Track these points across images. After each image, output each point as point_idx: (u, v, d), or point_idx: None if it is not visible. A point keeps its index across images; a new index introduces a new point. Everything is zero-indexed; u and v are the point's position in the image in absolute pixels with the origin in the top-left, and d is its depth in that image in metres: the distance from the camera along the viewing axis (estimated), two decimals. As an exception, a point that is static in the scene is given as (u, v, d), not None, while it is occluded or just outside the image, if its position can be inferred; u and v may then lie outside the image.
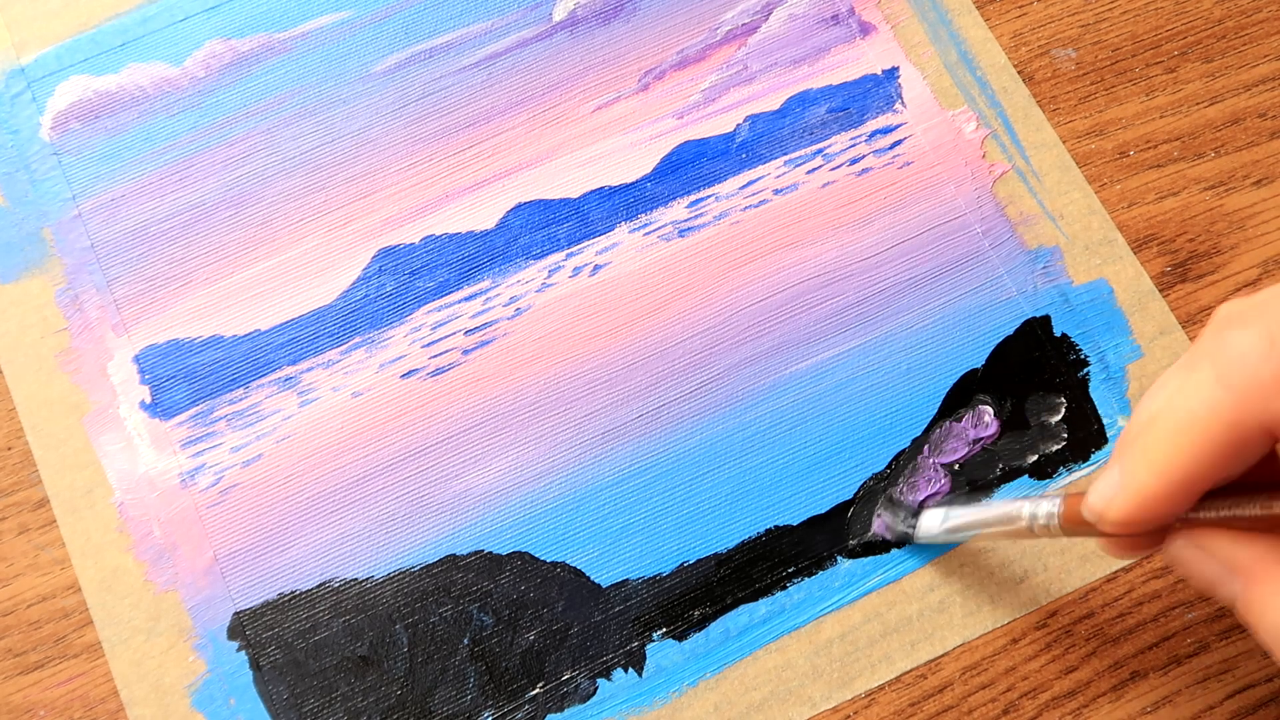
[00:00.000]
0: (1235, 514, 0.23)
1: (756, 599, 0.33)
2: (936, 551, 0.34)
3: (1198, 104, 0.38)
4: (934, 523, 0.32)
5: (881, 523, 0.34)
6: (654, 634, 0.33)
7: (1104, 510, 0.23)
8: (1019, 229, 0.37)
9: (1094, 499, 0.23)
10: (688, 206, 0.37)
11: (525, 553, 0.34)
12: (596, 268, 0.37)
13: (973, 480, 0.34)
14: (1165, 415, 0.22)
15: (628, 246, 0.37)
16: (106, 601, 0.33)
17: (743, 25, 0.39)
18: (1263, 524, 0.22)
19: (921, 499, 0.34)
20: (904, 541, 0.34)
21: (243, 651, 0.33)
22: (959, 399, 0.35)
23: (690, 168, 0.38)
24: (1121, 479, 0.23)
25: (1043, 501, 0.27)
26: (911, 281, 0.36)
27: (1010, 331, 0.36)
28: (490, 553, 0.34)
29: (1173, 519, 0.23)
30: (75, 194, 0.37)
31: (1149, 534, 0.24)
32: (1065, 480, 0.34)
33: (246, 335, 0.36)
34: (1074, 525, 0.26)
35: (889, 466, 0.35)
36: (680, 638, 0.33)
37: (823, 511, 0.34)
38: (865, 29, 0.39)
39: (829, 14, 0.39)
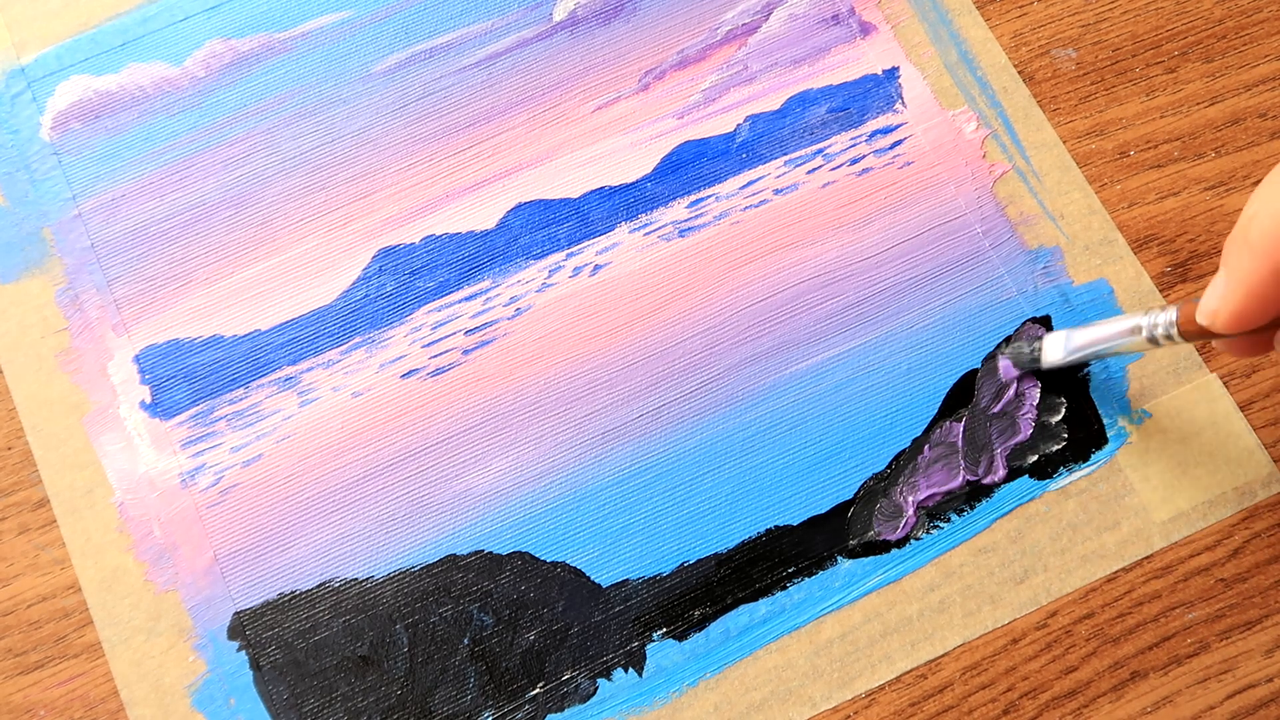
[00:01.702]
0: None
1: (756, 599, 0.33)
2: (937, 551, 0.34)
3: (1198, 104, 0.38)
4: (1057, 346, 0.33)
5: (1006, 362, 0.35)
6: (654, 634, 0.33)
7: (1216, 310, 0.24)
8: (1019, 229, 0.37)
9: (1206, 302, 0.25)
10: (688, 206, 0.37)
11: (525, 553, 0.34)
12: (597, 268, 0.37)
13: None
14: (1261, 216, 0.23)
15: (628, 246, 0.37)
16: (106, 601, 0.33)
17: (743, 25, 0.39)
18: None
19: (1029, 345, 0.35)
20: (1034, 370, 0.35)
21: (243, 651, 0.33)
22: (959, 399, 0.35)
23: (690, 168, 0.38)
24: (1227, 279, 0.24)
25: (1159, 313, 0.29)
26: (911, 281, 0.36)
27: (1010, 331, 0.36)
28: (490, 553, 0.34)
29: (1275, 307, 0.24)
30: (75, 194, 0.37)
31: (1265, 330, 0.25)
32: (1068, 479, 0.34)
33: (246, 335, 0.36)
34: (1192, 329, 0.27)
35: (889, 466, 0.35)
36: (680, 638, 0.33)
37: (823, 511, 0.34)
38: (865, 29, 0.39)
39: (829, 14, 0.39)
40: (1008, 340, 0.35)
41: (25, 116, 0.38)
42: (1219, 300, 0.24)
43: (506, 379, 0.36)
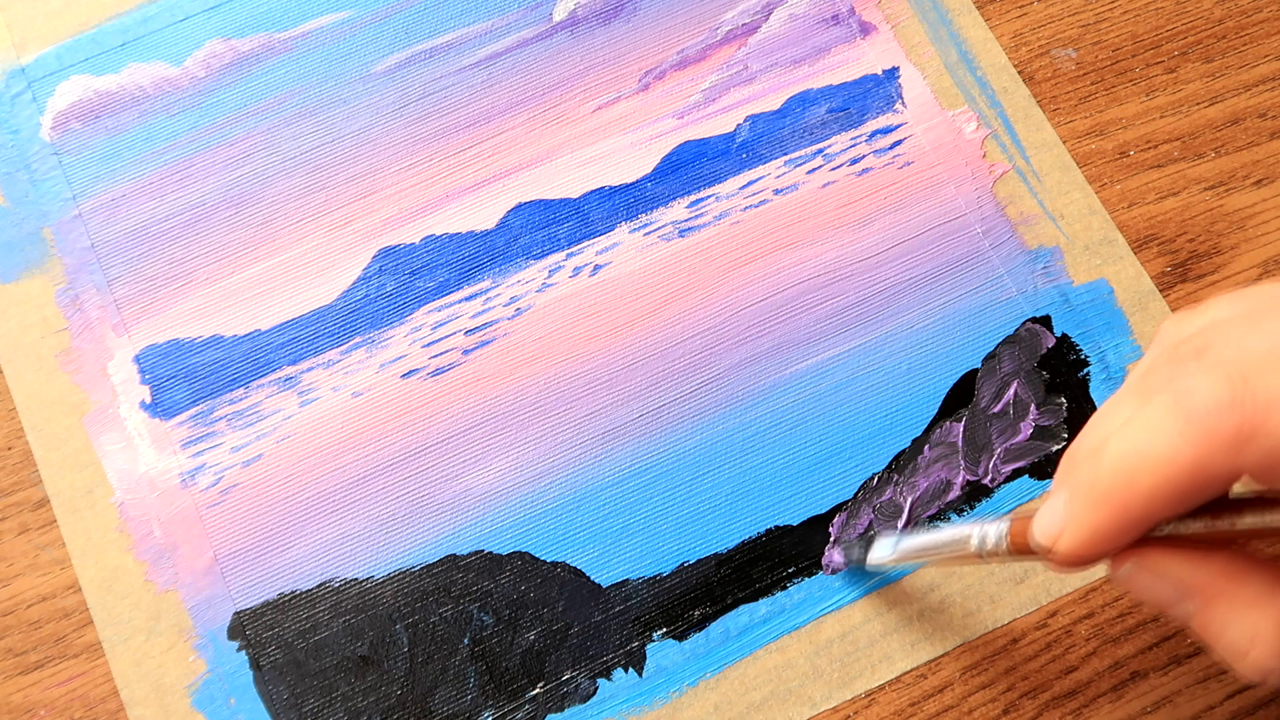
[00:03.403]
0: (1179, 532, 0.22)
1: (756, 599, 0.33)
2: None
3: (1198, 104, 0.38)
4: (885, 550, 0.31)
5: (836, 552, 0.34)
6: (654, 634, 0.33)
7: (1052, 544, 0.22)
8: (1019, 229, 0.37)
9: (1040, 531, 0.23)
10: (688, 206, 0.37)
11: (525, 553, 0.34)
12: (597, 268, 0.37)
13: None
14: (1119, 452, 0.21)
15: (628, 246, 0.37)
16: (107, 601, 0.33)
17: (743, 25, 0.39)
18: (1208, 540, 0.22)
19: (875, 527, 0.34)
20: (858, 568, 0.33)
21: (243, 651, 0.33)
22: (959, 399, 0.35)
23: (690, 168, 0.38)
24: (1069, 512, 0.22)
25: (990, 525, 0.26)
26: (911, 281, 0.36)
27: (1010, 331, 0.36)
28: (490, 553, 0.34)
29: (1118, 550, 0.23)
30: (75, 194, 0.37)
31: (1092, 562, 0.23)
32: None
33: (246, 335, 0.36)
34: (1022, 549, 0.25)
35: (889, 466, 0.35)
36: (680, 638, 0.33)
37: (823, 511, 0.34)
38: (865, 29, 0.39)
39: (829, 14, 0.39)
40: (838, 541, 0.34)
41: (25, 116, 0.38)
42: (1054, 536, 0.23)
43: (506, 379, 0.36)
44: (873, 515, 0.34)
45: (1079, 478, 0.22)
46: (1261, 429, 0.20)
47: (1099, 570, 0.33)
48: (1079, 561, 0.22)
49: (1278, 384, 0.20)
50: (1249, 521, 0.21)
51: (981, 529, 0.27)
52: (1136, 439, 0.21)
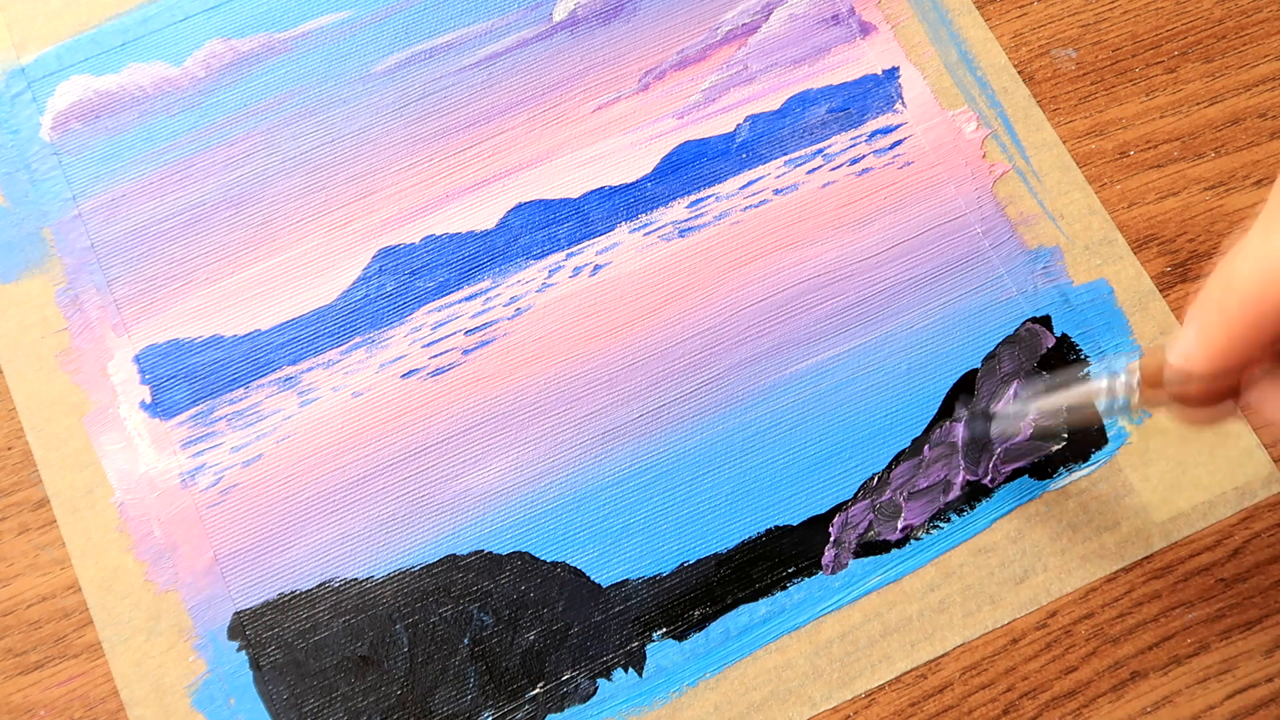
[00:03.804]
0: None
1: (756, 599, 0.33)
2: (937, 551, 0.34)
3: (1198, 104, 0.38)
4: (1014, 411, 0.33)
5: (967, 433, 0.35)
6: (654, 634, 0.33)
7: (1188, 362, 0.23)
8: (1019, 229, 0.37)
9: (1176, 354, 0.24)
10: (688, 206, 0.37)
11: (525, 553, 0.34)
12: (597, 268, 0.37)
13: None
14: (1247, 268, 0.22)
15: (628, 246, 0.37)
16: (106, 601, 0.33)
17: (743, 25, 0.39)
18: None
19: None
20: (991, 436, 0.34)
21: (243, 651, 0.33)
22: (959, 399, 0.35)
23: (690, 168, 0.38)
24: (1201, 332, 0.23)
25: (1117, 378, 0.27)
26: (911, 281, 0.36)
27: (1010, 331, 0.36)
28: (490, 553, 0.34)
29: (1244, 360, 0.23)
30: (75, 194, 0.37)
31: (1225, 393, 0.24)
32: (1068, 479, 0.34)
33: (246, 335, 0.36)
34: (1153, 391, 0.26)
35: (889, 466, 0.35)
36: (680, 638, 0.33)
37: (823, 511, 0.34)
38: (865, 29, 0.39)
39: (829, 14, 0.39)
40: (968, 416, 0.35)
41: (25, 116, 0.38)
42: (1194, 344, 0.24)
43: (506, 379, 0.36)
44: (873, 515, 0.34)
45: (1209, 301, 0.23)
46: None
47: (1098, 571, 0.33)
48: (1215, 375, 0.23)
49: None
50: None
51: (1109, 382, 0.28)
52: (1267, 254, 0.22)
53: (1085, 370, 0.29)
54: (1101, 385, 0.28)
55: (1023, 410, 0.33)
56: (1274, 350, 0.23)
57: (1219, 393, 0.24)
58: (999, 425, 0.34)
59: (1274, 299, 0.22)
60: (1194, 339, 0.23)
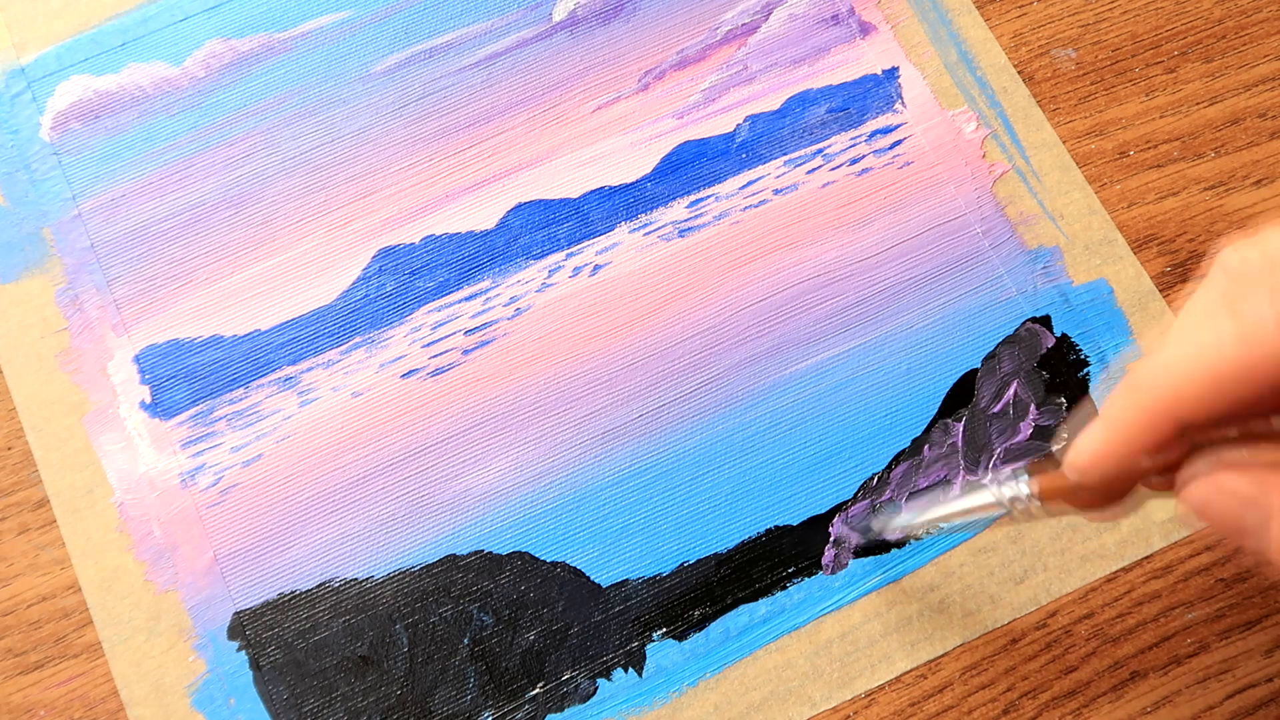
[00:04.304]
0: (1246, 431, 0.22)
1: (756, 599, 0.33)
2: (937, 551, 0.34)
3: (1198, 104, 0.38)
4: (905, 519, 0.32)
5: (848, 532, 0.34)
6: (654, 634, 0.33)
7: (1080, 452, 0.23)
8: (1019, 229, 0.37)
9: (1075, 448, 0.23)
10: (688, 206, 0.37)
11: (525, 553, 0.34)
12: (596, 268, 0.37)
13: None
14: (1164, 356, 0.22)
15: (628, 246, 0.37)
16: (106, 601, 0.33)
17: (743, 25, 0.39)
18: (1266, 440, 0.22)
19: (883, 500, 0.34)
20: (876, 540, 0.34)
21: (243, 651, 0.33)
22: (959, 399, 0.35)
23: (690, 168, 0.38)
24: (1105, 419, 0.22)
25: (1008, 483, 0.26)
26: (911, 281, 0.36)
27: (1010, 331, 0.36)
28: (490, 553, 0.34)
29: (1151, 446, 0.22)
30: (75, 194, 0.37)
31: (1120, 487, 0.23)
32: None
33: (246, 335, 0.36)
34: (1051, 494, 0.25)
35: (889, 466, 0.35)
36: (680, 638, 0.33)
37: (823, 511, 0.34)
38: (865, 29, 0.39)
39: (829, 14, 0.39)
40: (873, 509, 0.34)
41: (25, 116, 0.38)
42: (1091, 438, 0.23)
43: (506, 379, 0.36)
44: (873, 515, 0.34)
45: (1122, 382, 0.22)
46: None
47: (1098, 571, 0.33)
48: (1102, 464, 0.22)
49: None
50: None
51: (998, 489, 0.26)
52: (1184, 340, 0.21)
53: (979, 488, 0.28)
54: (992, 492, 0.27)
55: (910, 521, 0.31)
56: (1173, 435, 0.22)
57: (1113, 492, 0.23)
58: (879, 523, 0.34)
59: (1182, 380, 0.21)
60: (1095, 438, 0.23)
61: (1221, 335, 0.21)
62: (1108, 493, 0.24)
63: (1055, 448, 0.27)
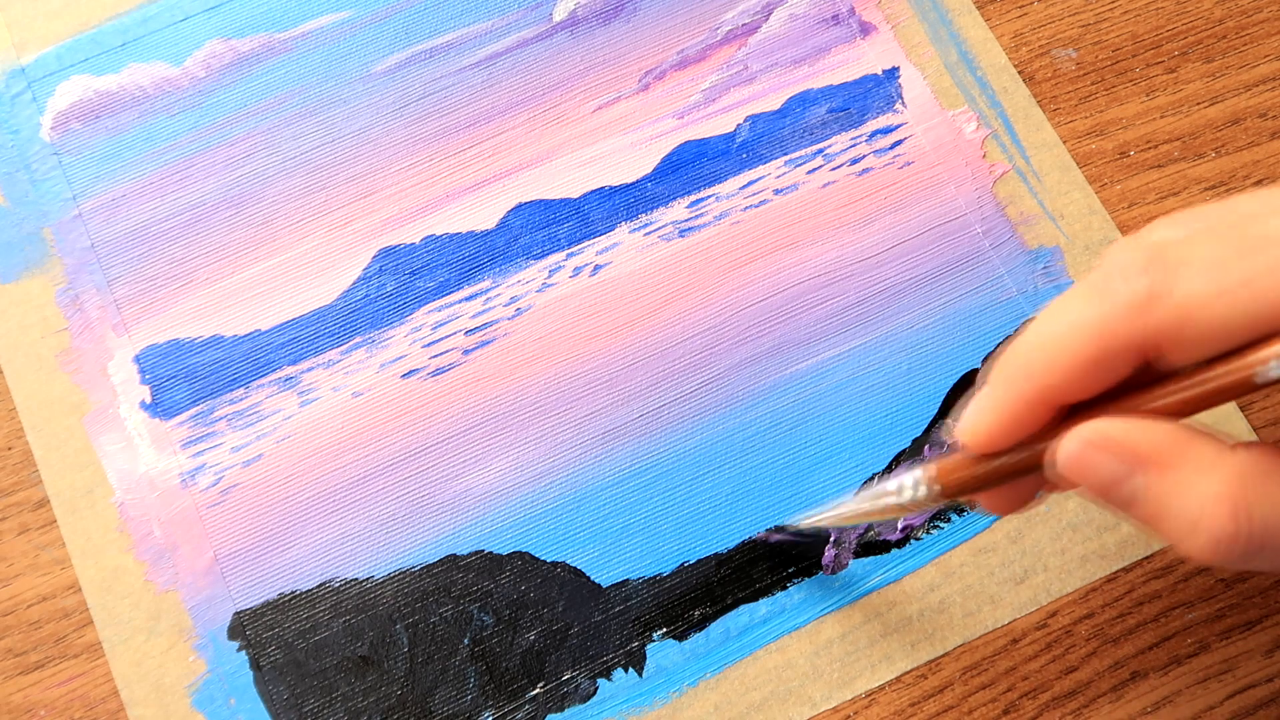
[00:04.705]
0: (1127, 405, 0.21)
1: (757, 599, 0.33)
2: (937, 551, 0.34)
3: (1198, 104, 0.38)
4: (812, 520, 0.31)
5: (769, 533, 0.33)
6: (654, 634, 0.33)
7: (972, 428, 0.22)
8: (1019, 229, 0.37)
9: (962, 423, 0.22)
10: (688, 206, 0.37)
11: (525, 553, 0.34)
12: (597, 268, 0.37)
13: None
14: (1031, 329, 0.21)
15: (628, 246, 0.37)
16: (107, 601, 0.33)
17: (743, 25, 0.39)
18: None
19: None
20: (800, 534, 0.33)
21: (243, 651, 0.33)
22: (959, 399, 0.35)
23: (690, 168, 0.38)
24: (981, 398, 0.22)
25: (908, 473, 0.26)
26: (911, 281, 0.36)
27: (1010, 331, 0.36)
28: (490, 553, 0.34)
29: (1040, 433, 0.22)
30: (75, 194, 0.37)
31: (1025, 465, 0.22)
32: None
33: (247, 335, 0.36)
34: (950, 480, 0.24)
35: (889, 466, 0.35)
36: (680, 638, 0.33)
37: (823, 511, 0.34)
38: (865, 29, 0.39)
39: (829, 14, 0.39)
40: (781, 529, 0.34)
41: (25, 116, 0.38)
42: (974, 420, 0.22)
43: (506, 379, 0.36)
44: None
45: (998, 361, 0.22)
46: (1168, 291, 0.20)
47: (1098, 571, 0.33)
48: (994, 442, 0.22)
49: (1193, 250, 0.20)
50: (1164, 398, 0.21)
51: (899, 479, 0.26)
52: (1049, 311, 0.21)
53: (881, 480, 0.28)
54: (895, 482, 0.26)
55: (821, 515, 0.31)
56: (1053, 411, 0.21)
57: (1005, 476, 0.23)
58: (793, 528, 0.33)
59: (1052, 352, 0.21)
60: (973, 405, 0.22)
61: (1085, 307, 0.21)
62: (1000, 476, 0.23)
63: (946, 437, 0.27)
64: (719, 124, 0.38)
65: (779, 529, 0.34)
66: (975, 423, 0.22)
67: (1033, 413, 0.21)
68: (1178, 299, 0.20)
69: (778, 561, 0.34)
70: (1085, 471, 0.21)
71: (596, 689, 0.33)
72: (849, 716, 0.33)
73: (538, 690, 0.33)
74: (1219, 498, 0.20)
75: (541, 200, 0.37)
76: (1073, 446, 0.21)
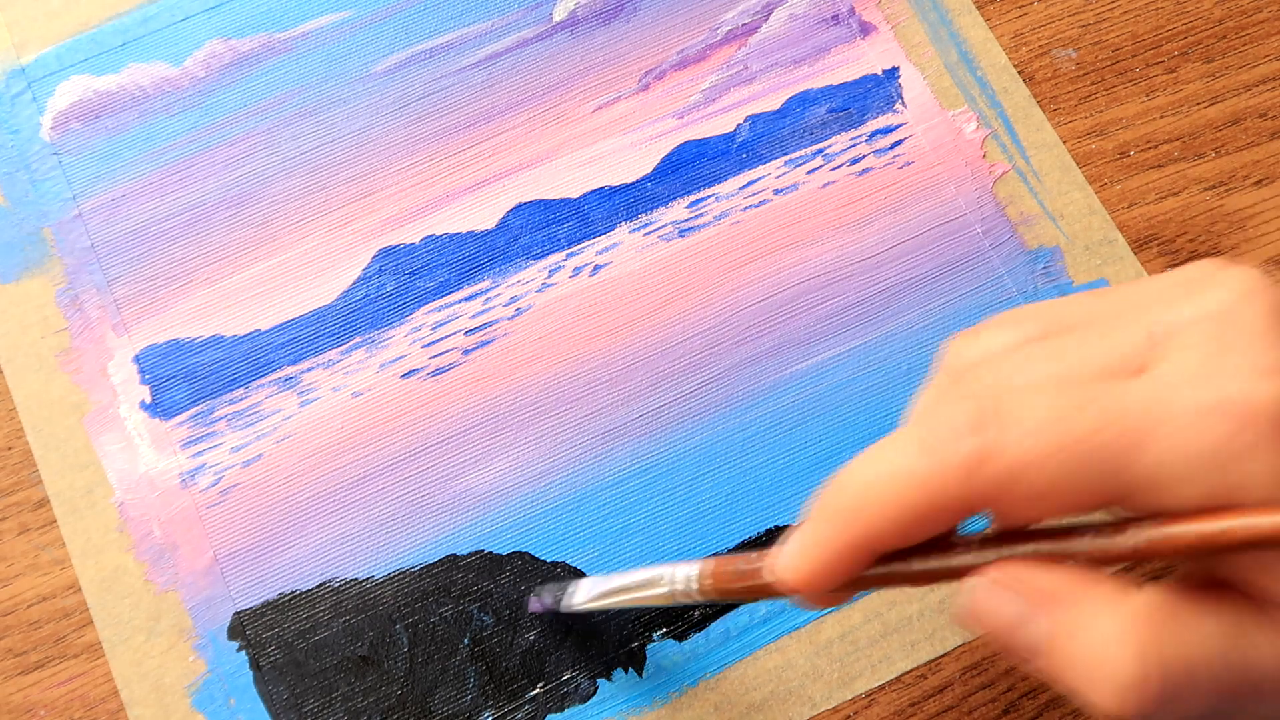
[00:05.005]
0: (912, 568, 0.21)
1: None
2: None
3: (1198, 104, 0.38)
4: (585, 591, 0.30)
5: (537, 600, 0.33)
6: (654, 634, 0.33)
7: (784, 571, 0.21)
8: (1019, 229, 0.37)
9: (778, 562, 0.22)
10: (688, 206, 0.37)
11: (525, 553, 0.34)
12: (597, 268, 0.37)
13: None
14: (856, 471, 0.20)
15: (628, 246, 0.37)
16: (106, 601, 0.33)
17: (743, 25, 0.39)
18: (941, 577, 0.21)
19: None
20: (557, 612, 0.32)
21: (243, 651, 0.33)
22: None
23: (690, 168, 0.38)
24: (800, 535, 0.21)
25: (681, 566, 0.26)
26: (911, 281, 0.36)
27: (1010, 331, 0.36)
28: (490, 553, 0.34)
29: (848, 578, 0.21)
30: (75, 194, 0.37)
31: (833, 590, 0.22)
32: None
33: (246, 335, 0.36)
34: (719, 585, 0.25)
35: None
36: (680, 638, 0.33)
37: (823, 511, 0.34)
38: (865, 29, 0.39)
39: (829, 14, 0.39)
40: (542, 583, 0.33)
41: (25, 116, 0.38)
42: (787, 560, 0.21)
43: (506, 379, 0.36)
44: None
45: (818, 500, 0.21)
46: (997, 452, 0.19)
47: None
48: (809, 587, 0.21)
49: (1023, 409, 0.19)
50: (979, 557, 0.20)
51: (672, 569, 0.26)
52: (875, 458, 0.20)
53: (656, 565, 0.27)
54: (663, 574, 0.27)
55: (590, 585, 0.30)
56: (872, 559, 0.21)
57: (817, 591, 0.22)
58: (564, 595, 0.32)
59: (876, 502, 0.20)
60: (793, 540, 0.21)
61: (914, 462, 0.20)
62: (764, 595, 0.24)
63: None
64: (719, 124, 0.38)
65: (547, 592, 0.32)
66: (796, 563, 0.21)
67: (854, 558, 0.21)
68: (1008, 460, 0.19)
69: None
70: (991, 612, 0.20)
71: (596, 689, 0.33)
72: (849, 716, 0.33)
73: (538, 690, 0.33)
74: (1123, 638, 0.19)
75: (541, 200, 0.37)
76: (983, 586, 0.20)
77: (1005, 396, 0.20)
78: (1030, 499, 0.19)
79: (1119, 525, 0.19)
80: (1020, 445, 0.19)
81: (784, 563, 0.22)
